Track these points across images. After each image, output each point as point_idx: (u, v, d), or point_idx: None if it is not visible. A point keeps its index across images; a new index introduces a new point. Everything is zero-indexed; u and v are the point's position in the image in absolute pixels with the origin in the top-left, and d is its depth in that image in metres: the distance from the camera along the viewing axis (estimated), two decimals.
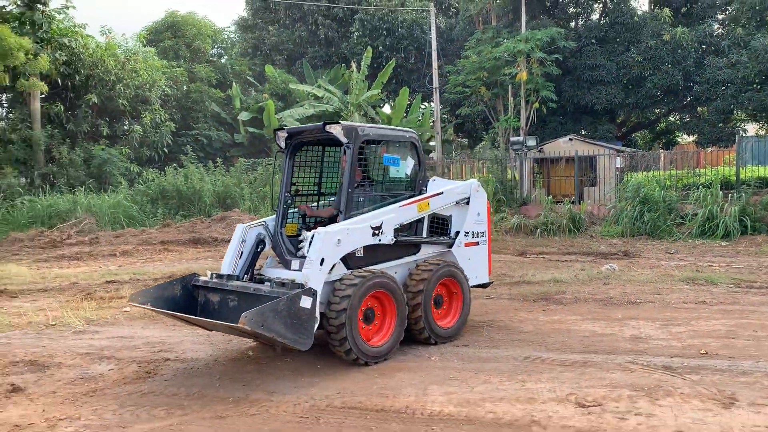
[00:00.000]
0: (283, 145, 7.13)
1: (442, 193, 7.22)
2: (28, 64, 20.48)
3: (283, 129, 7.11)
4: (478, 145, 41.68)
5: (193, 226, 18.96)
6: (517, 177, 21.67)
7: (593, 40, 28.24)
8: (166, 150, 26.78)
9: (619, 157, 20.62)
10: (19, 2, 22.79)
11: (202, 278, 6.65)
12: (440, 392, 5.45)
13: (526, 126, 25.73)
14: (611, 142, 25.23)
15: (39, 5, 23.17)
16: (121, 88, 24.67)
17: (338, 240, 6.14)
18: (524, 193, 20.77)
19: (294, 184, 7.16)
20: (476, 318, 8.07)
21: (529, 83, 24.97)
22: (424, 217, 7.12)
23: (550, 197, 18.95)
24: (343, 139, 6.49)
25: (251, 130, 29.00)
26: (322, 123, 6.65)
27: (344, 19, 34.18)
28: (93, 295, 10.30)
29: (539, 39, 24.43)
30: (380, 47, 32.48)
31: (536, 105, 25.59)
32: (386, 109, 32.86)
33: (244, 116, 29.14)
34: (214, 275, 6.59)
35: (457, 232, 7.40)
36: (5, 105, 25.54)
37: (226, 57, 34.26)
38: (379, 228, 6.50)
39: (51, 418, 5.15)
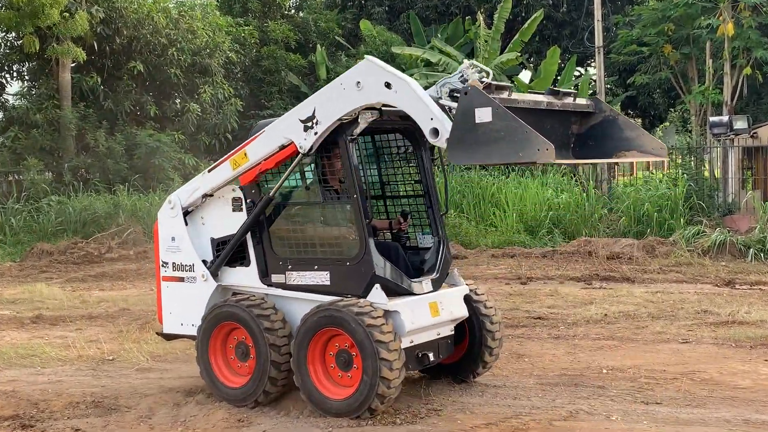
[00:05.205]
0: None
1: None
2: (62, 26, 22.07)
3: None
4: (658, 128, 41.08)
5: None
6: (719, 174, 21.27)
7: None
8: (230, 136, 27.85)
9: None
10: None
11: None
12: None
13: (732, 101, 25.16)
14: None
15: None
16: (174, 54, 25.95)
17: None
18: (729, 198, 20.38)
19: None
20: (670, 368, 8.22)
21: (737, 39, 24.40)
22: None
23: None
24: None
25: None
26: None
27: None
28: (152, 324, 11.13)
29: None
30: None
31: (747, 70, 24.97)
32: (525, 76, 33.00)
33: None
34: None
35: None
36: (27, 78, 27.45)
37: (306, 10, 35.43)
38: None
39: None
